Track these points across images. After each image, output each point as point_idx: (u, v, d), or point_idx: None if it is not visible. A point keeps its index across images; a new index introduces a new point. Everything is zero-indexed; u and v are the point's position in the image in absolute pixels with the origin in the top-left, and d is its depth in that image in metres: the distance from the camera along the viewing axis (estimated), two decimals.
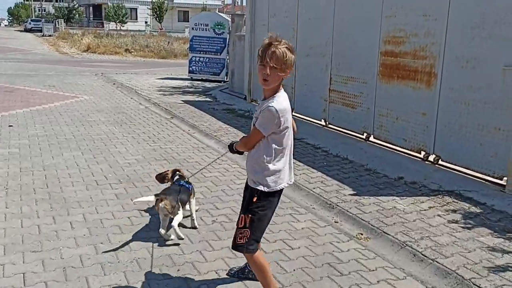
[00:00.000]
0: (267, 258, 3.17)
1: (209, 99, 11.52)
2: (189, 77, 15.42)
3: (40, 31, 46.39)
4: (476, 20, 5.21)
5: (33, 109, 9.38)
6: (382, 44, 6.63)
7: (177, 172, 4.24)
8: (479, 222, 4.18)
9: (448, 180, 5.30)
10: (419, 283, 3.31)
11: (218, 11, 29.66)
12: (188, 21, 35.59)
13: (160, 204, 3.70)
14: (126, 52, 28.46)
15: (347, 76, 7.45)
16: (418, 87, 6.07)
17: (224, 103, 10.92)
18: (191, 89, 13.30)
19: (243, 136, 2.89)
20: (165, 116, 9.27)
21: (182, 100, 11.07)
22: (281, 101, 2.65)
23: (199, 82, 14.94)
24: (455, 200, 4.71)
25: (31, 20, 57.48)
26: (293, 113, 8.52)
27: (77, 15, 64.85)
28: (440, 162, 5.84)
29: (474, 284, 3.17)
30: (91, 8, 64.65)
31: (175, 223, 3.72)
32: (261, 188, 2.73)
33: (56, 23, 49.09)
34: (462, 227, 4.08)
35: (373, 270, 3.45)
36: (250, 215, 2.77)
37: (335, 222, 4.31)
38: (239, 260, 3.45)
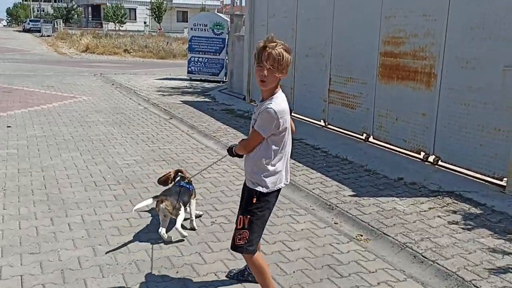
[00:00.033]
0: (266, 259, 3.15)
1: (208, 100, 11.50)
2: (188, 78, 15.40)
3: (39, 31, 46.34)
4: (476, 21, 5.20)
5: (31, 109, 9.35)
6: (381, 45, 6.61)
7: (179, 173, 4.22)
8: (479, 223, 4.16)
9: (448, 181, 5.28)
10: (420, 285, 3.29)
11: (217, 12, 29.67)
12: (187, 22, 35.52)
13: (161, 206, 3.70)
14: (125, 52, 28.43)
15: (347, 76, 7.43)
16: (417, 87, 6.05)
17: (223, 103, 10.90)
18: (190, 90, 13.28)
19: (242, 139, 2.87)
20: (164, 116, 9.25)
21: (181, 101, 11.05)
22: (279, 102, 2.64)
23: (198, 82, 14.92)
24: (455, 201, 4.69)
25: (30, 21, 57.42)
26: (292, 114, 8.55)
27: (76, 15, 64.81)
28: (440, 162, 5.82)
29: (474, 286, 3.15)
30: (89, 8, 64.60)
31: (178, 225, 3.70)
32: (260, 189, 2.73)
33: (55, 23, 49.06)
34: (463, 228, 4.06)
35: (373, 272, 3.43)
36: (248, 216, 2.77)
37: (335, 223, 4.29)
38: (239, 262, 3.43)
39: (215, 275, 3.30)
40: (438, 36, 5.68)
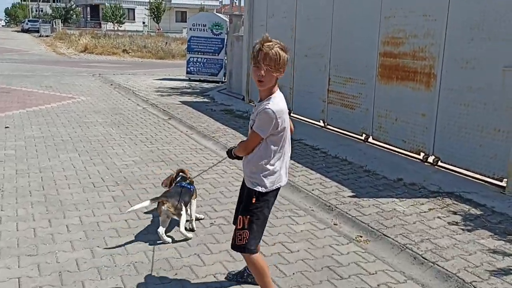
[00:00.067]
0: (266, 261, 3.12)
1: (207, 100, 11.48)
2: (187, 78, 15.37)
3: (37, 31, 46.27)
4: (476, 21, 5.18)
5: (29, 110, 9.32)
6: (381, 45, 6.60)
7: (180, 173, 4.20)
8: (479, 224, 4.15)
9: (448, 182, 5.27)
10: (420, 286, 3.28)
11: (216, 12, 29.64)
12: (186, 22, 35.50)
13: (163, 207, 3.69)
14: (123, 52, 28.39)
15: (346, 77, 7.42)
16: (417, 88, 6.04)
17: (222, 103, 10.87)
18: (189, 90, 13.25)
19: (242, 141, 2.85)
20: (162, 117, 9.22)
21: (180, 101, 11.02)
22: (277, 102, 2.63)
23: (197, 82, 14.90)
24: (455, 202, 4.68)
25: (28, 21, 57.33)
26: (292, 114, 8.53)
27: (75, 15, 64.75)
28: (439, 163, 5.81)
29: None
30: (88, 8, 64.53)
31: (182, 228, 3.69)
32: (259, 189, 2.73)
33: (54, 23, 49.01)
34: (463, 229, 4.04)
35: (373, 274, 3.41)
36: (248, 216, 2.77)
37: (335, 224, 4.27)
38: (238, 263, 3.41)
39: (214, 276, 3.28)
40: (438, 36, 5.66)
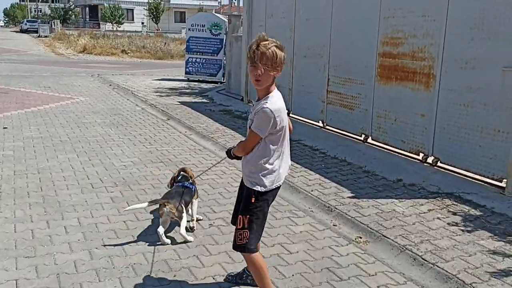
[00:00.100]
0: (265, 262, 3.10)
1: (206, 100, 11.46)
2: (186, 78, 15.35)
3: (36, 32, 46.24)
4: (475, 21, 5.17)
5: (28, 110, 9.30)
6: (380, 45, 6.59)
7: (182, 172, 4.18)
8: (479, 225, 4.13)
9: (447, 182, 5.26)
10: None
11: (215, 12, 29.61)
12: (184, 22, 35.43)
13: (165, 209, 3.68)
14: (122, 53, 28.34)
15: (345, 77, 7.40)
16: (416, 88, 6.03)
17: (221, 104, 10.86)
18: (187, 90, 13.24)
19: (241, 141, 2.84)
20: (161, 117, 9.20)
21: (179, 101, 11.00)
22: (275, 101, 2.62)
23: (196, 83, 14.88)
24: (454, 203, 4.66)
25: (27, 21, 57.32)
26: (290, 114, 8.52)
27: (73, 16, 64.76)
28: (438, 164, 5.79)
29: None
30: (87, 9, 64.49)
31: (182, 230, 3.67)
32: (258, 188, 2.72)
33: (52, 24, 48.96)
34: (462, 230, 4.03)
35: (373, 275, 3.39)
36: (248, 216, 2.76)
37: (334, 225, 4.26)
38: (237, 265, 3.40)
39: (213, 278, 3.26)
40: (437, 36, 5.65)
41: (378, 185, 5.17)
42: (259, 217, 2.78)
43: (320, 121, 8.18)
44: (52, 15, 60.43)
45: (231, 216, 4.08)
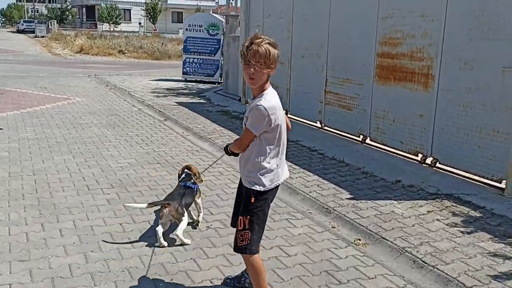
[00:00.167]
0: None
1: (203, 101, 11.41)
2: (183, 79, 15.30)
3: (33, 32, 46.07)
4: (474, 21, 5.14)
5: (24, 111, 9.23)
6: (378, 46, 6.55)
7: (186, 170, 4.13)
8: (479, 227, 4.10)
9: (446, 183, 5.22)
10: None
11: (212, 12, 29.55)
12: (182, 22, 35.41)
13: (165, 210, 3.66)
14: (119, 53, 28.27)
15: (343, 77, 7.36)
16: (415, 88, 5.99)
17: (219, 104, 10.81)
18: (185, 91, 13.18)
19: (237, 138, 2.81)
20: (158, 118, 9.15)
21: (176, 102, 10.95)
22: (269, 98, 2.59)
23: (193, 83, 14.82)
24: (453, 204, 4.63)
25: (24, 21, 57.03)
26: (288, 115, 8.47)
27: (70, 16, 64.56)
28: (437, 164, 5.76)
29: None
30: (84, 9, 64.30)
31: (180, 232, 3.64)
32: (257, 188, 2.69)
33: (49, 24, 48.83)
34: (462, 232, 4.00)
35: (373, 278, 3.35)
36: (248, 217, 2.73)
37: (333, 227, 4.22)
38: (235, 268, 3.35)
39: (211, 282, 3.21)
40: (436, 36, 5.62)
41: (377, 186, 5.13)
42: (260, 217, 2.75)
43: (318, 122, 8.14)
44: (49, 15, 60.23)
45: (228, 218, 4.06)
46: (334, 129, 7.71)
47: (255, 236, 2.75)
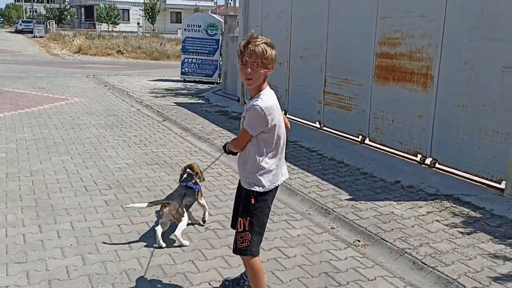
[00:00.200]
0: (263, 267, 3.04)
1: (201, 101, 11.38)
2: (182, 79, 15.27)
3: (31, 32, 45.97)
4: (474, 21, 5.12)
5: (21, 111, 9.19)
6: (377, 46, 6.53)
7: (188, 170, 4.11)
8: (478, 228, 4.08)
9: (446, 184, 5.20)
10: None
11: (211, 12, 29.52)
12: (180, 22, 35.39)
13: (165, 210, 3.65)
14: (118, 53, 28.22)
15: (342, 78, 7.34)
16: (414, 89, 5.97)
17: (217, 105, 10.78)
18: (183, 91, 13.15)
19: (235, 137, 2.80)
20: (157, 118, 9.12)
21: (175, 102, 10.92)
22: (266, 99, 2.57)
23: (192, 84, 14.79)
24: (453, 205, 4.61)
25: (22, 21, 56.92)
26: (287, 115, 8.44)
27: (69, 16, 64.51)
28: (437, 165, 5.74)
29: None
30: (82, 9, 64.22)
31: (178, 233, 3.62)
32: (256, 189, 2.67)
33: (47, 24, 48.75)
34: (462, 233, 3.98)
35: (372, 280, 3.33)
36: (248, 218, 2.71)
37: (332, 228, 4.19)
38: (234, 270, 3.33)
39: (209, 284, 3.19)
40: (435, 37, 5.60)
41: (376, 187, 5.11)
42: (260, 218, 2.73)
43: (317, 122, 8.12)
44: (47, 15, 60.14)
45: (227, 219, 4.05)
46: (333, 129, 7.69)
47: (255, 237, 2.72)
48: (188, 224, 3.82)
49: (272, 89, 2.71)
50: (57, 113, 9.14)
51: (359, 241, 3.92)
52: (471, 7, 5.16)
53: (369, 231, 4.00)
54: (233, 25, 12.63)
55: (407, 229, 4.04)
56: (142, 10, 55.42)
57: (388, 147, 6.50)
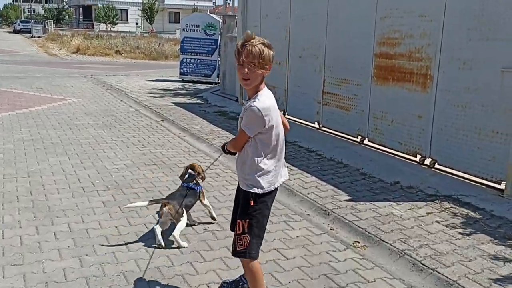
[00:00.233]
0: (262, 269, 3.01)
1: (200, 101, 11.35)
2: (180, 79, 15.24)
3: (29, 32, 45.89)
4: (474, 21, 5.10)
5: (19, 112, 9.15)
6: (376, 46, 6.51)
7: (190, 170, 4.08)
8: (478, 229, 4.06)
9: (445, 185, 5.18)
10: None
11: (210, 12, 29.48)
12: (179, 22, 35.31)
13: (164, 209, 3.64)
14: (116, 53, 28.16)
15: (341, 78, 7.32)
16: (413, 89, 5.95)
17: (216, 105, 10.76)
18: (182, 91, 13.12)
19: (233, 138, 2.79)
20: (155, 119, 9.09)
21: (173, 103, 10.89)
22: (263, 99, 2.55)
23: (190, 84, 14.76)
24: (453, 206, 4.59)
25: (20, 21, 56.86)
26: (286, 115, 8.42)
27: (67, 16, 64.41)
28: (436, 165, 5.72)
29: None
30: (81, 9, 64.14)
31: (176, 233, 3.59)
32: (255, 190, 2.64)
33: (46, 24, 48.66)
34: (462, 234, 3.95)
35: (372, 282, 3.30)
36: (247, 220, 2.67)
37: (331, 229, 4.17)
38: (232, 272, 3.30)
39: (208, 286, 3.16)
40: (435, 37, 5.58)
41: (375, 188, 5.09)
42: (259, 220, 2.69)
43: (315, 122, 8.10)
44: (45, 15, 60.09)
45: (226, 220, 4.02)
46: (332, 130, 7.67)
47: (254, 240, 2.69)
48: (187, 225, 3.80)
49: (270, 89, 2.69)
50: (55, 114, 9.10)
51: (358, 242, 3.90)
52: (471, 7, 5.14)
53: (368, 232, 3.98)
54: (231, 25, 12.60)
55: (407, 230, 4.02)
56: (140, 10, 55.38)
57: (388, 148, 6.48)
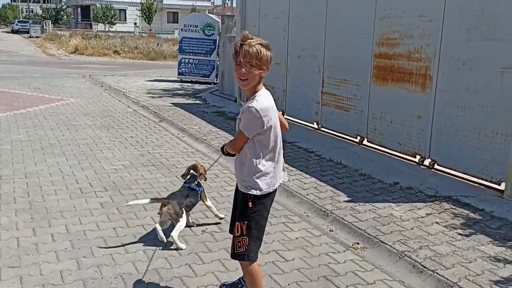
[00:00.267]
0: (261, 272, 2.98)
1: (199, 102, 11.32)
2: (179, 79, 15.21)
3: (27, 32, 45.79)
4: (473, 21, 5.08)
5: (17, 112, 9.11)
6: (375, 46, 6.49)
7: (191, 171, 4.05)
8: (478, 230, 4.04)
9: (445, 185, 5.16)
10: None
11: (208, 12, 29.45)
12: (177, 22, 35.31)
13: (164, 208, 3.63)
14: (114, 53, 28.12)
15: (340, 78, 7.30)
16: (413, 89, 5.93)
17: (214, 105, 10.73)
18: (180, 91, 13.09)
19: (232, 139, 2.76)
20: (153, 119, 9.05)
21: (171, 103, 10.86)
22: (261, 100, 2.53)
23: (189, 84, 14.73)
24: (452, 206, 4.57)
25: (18, 21, 56.69)
26: (285, 116, 8.39)
27: (65, 16, 64.31)
28: (436, 166, 5.70)
29: None
30: (79, 9, 64.04)
31: (175, 234, 3.57)
32: (254, 192, 2.61)
33: (44, 24, 48.59)
34: (462, 235, 3.93)
35: (372, 283, 3.28)
36: (246, 222, 2.65)
37: (330, 230, 4.15)
38: (231, 274, 3.27)
39: None
40: (434, 37, 5.56)
41: (375, 189, 5.06)
42: (258, 222, 2.67)
43: (314, 123, 8.07)
44: (43, 15, 59.99)
45: (224, 221, 3.99)
46: (331, 130, 7.64)
47: (253, 242, 2.67)
48: (186, 226, 3.77)
49: (269, 89, 2.67)
50: (52, 114, 9.06)
51: (358, 243, 3.88)
52: (471, 7, 5.12)
53: (368, 234, 3.95)
54: (230, 25, 12.58)
55: (407, 231, 4.00)
56: (138, 10, 55.33)
57: (387, 148, 6.46)
